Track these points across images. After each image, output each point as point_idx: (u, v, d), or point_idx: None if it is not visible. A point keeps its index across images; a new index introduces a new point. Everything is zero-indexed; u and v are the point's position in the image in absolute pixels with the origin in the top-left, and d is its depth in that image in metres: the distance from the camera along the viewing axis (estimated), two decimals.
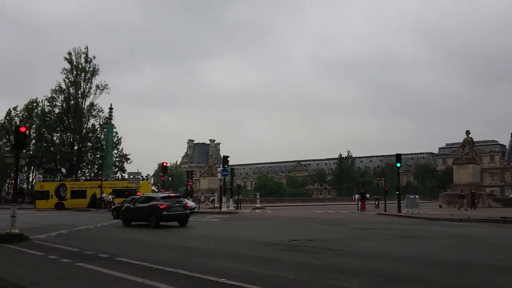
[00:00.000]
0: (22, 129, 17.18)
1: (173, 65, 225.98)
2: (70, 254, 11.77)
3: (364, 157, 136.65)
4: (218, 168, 55.30)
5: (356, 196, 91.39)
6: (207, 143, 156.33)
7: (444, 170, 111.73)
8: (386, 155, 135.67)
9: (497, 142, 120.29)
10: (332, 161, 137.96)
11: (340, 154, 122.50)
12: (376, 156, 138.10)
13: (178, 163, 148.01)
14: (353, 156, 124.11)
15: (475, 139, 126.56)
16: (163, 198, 20.98)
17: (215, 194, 43.07)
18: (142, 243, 15.05)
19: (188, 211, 21.66)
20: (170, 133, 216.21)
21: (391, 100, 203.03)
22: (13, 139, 42.60)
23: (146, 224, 21.52)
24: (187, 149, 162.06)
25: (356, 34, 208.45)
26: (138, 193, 32.77)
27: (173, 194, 22.89)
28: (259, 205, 39.18)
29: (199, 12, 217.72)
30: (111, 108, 59.84)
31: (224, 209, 34.23)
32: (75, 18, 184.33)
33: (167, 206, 20.32)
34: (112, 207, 32.08)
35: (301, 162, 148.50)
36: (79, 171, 62.56)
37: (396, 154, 33.06)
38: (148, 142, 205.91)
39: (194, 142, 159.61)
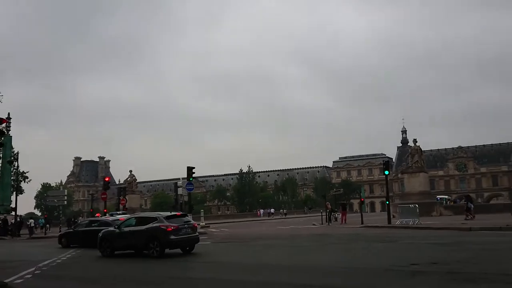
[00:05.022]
0: None
1: (44, 79, 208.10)
2: None
3: (261, 172, 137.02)
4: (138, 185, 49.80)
5: (262, 211, 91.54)
6: (95, 160, 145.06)
7: (341, 182, 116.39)
8: (283, 170, 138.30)
9: (385, 155, 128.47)
10: (230, 176, 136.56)
11: (240, 169, 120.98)
12: (273, 170, 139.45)
13: (63, 183, 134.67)
14: (253, 171, 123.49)
15: (363, 153, 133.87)
16: (168, 218, 16.62)
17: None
18: (177, 280, 11.34)
19: (198, 233, 17.52)
20: (49, 152, 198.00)
21: (274, 116, 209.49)
22: None
23: (133, 253, 17.26)
24: (74, 167, 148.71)
25: (235, 52, 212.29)
26: (97, 214, 27.06)
27: (179, 213, 18.43)
28: (204, 223, 35.38)
29: (71, 25, 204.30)
30: (9, 118, 50.95)
31: None
32: None
33: (175, 228, 16.04)
34: (60, 232, 26.22)
35: (198, 179, 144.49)
36: None
37: (385, 161, 31.73)
38: (25, 162, 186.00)
39: (82, 159, 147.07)
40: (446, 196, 77.18)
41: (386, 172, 29.53)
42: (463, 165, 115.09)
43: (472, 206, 31.29)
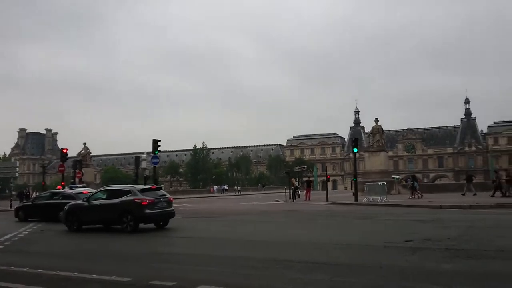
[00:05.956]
0: None
1: None
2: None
3: (215, 148, 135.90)
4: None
5: (215, 187, 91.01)
6: (42, 132, 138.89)
7: (294, 161, 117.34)
8: (237, 147, 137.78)
9: (338, 134, 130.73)
10: (183, 152, 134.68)
11: (194, 146, 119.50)
12: (228, 147, 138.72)
13: (7, 155, 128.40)
14: (207, 148, 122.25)
15: (316, 132, 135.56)
16: (142, 191, 15.69)
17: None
18: (163, 256, 10.60)
19: (173, 208, 16.71)
20: None
21: (229, 94, 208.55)
22: None
23: (102, 228, 16.39)
24: (18, 139, 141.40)
25: (190, 26, 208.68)
26: (58, 187, 25.42)
27: (153, 186, 17.46)
28: None
29: None
30: None
31: None
32: None
33: (150, 202, 15.20)
34: (17, 206, 24.53)
35: (142, 155, 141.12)
36: None
37: (354, 138, 31.59)
38: None
39: (27, 131, 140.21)
40: (398, 176, 79.53)
41: (355, 150, 29.57)
42: (412, 146, 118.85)
43: (418, 185, 32.17)
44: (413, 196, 29.75)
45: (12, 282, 7.59)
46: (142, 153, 37.33)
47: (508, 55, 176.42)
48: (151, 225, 16.25)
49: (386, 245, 10.42)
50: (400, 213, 19.69)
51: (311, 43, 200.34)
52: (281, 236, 13.35)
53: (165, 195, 16.42)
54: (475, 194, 31.26)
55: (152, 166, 29.59)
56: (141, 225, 15.77)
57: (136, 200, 15.17)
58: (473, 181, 37.27)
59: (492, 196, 27.13)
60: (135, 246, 12.37)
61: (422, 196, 29.96)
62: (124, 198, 15.48)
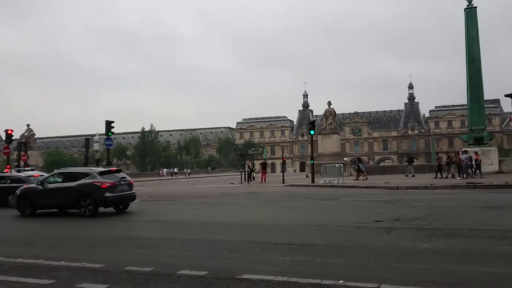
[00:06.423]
0: None
1: None
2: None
3: (163, 131, 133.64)
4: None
5: (165, 170, 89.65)
6: None
7: (244, 143, 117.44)
8: (186, 129, 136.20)
9: (287, 117, 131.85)
10: (130, 135, 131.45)
11: (143, 128, 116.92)
12: (176, 130, 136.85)
13: None
14: (156, 130, 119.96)
15: (265, 115, 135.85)
16: (101, 174, 14.99)
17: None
18: (130, 240, 10.04)
19: (134, 191, 16.10)
20: None
21: (175, 76, 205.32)
22: None
23: (57, 213, 15.67)
24: None
25: (133, 6, 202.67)
26: (5, 170, 23.79)
27: (113, 168, 16.71)
28: None
29: None
30: None
31: None
32: None
33: (111, 185, 14.57)
34: None
35: (92, 137, 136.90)
36: None
37: (311, 121, 31.53)
38: None
39: None
40: (346, 158, 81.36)
41: (312, 132, 29.73)
42: (358, 129, 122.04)
43: (364, 167, 33.17)
44: (357, 178, 30.48)
45: None
46: (94, 135, 35.84)
47: (450, 40, 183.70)
48: (111, 209, 15.64)
49: (358, 226, 10.48)
50: (360, 194, 20.09)
51: (259, 26, 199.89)
52: (251, 218, 13.18)
53: (125, 177, 15.83)
54: (413, 176, 32.59)
55: (105, 148, 28.53)
56: (101, 209, 15.15)
57: (95, 183, 14.51)
58: (414, 163, 38.93)
59: (435, 178, 28.37)
60: (100, 231, 11.81)
61: (367, 178, 30.77)
62: (82, 181, 14.76)
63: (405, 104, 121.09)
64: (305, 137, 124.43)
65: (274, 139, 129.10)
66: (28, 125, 48.29)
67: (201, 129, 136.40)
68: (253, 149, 46.64)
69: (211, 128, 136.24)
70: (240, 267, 6.78)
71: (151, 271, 6.59)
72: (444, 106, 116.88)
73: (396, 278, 5.81)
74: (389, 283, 5.57)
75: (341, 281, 5.65)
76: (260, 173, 36.37)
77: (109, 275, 6.51)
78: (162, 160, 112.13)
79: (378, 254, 7.40)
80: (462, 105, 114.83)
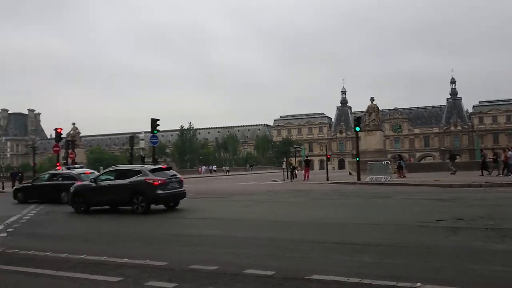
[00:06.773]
0: None
1: None
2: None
3: (201, 128, 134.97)
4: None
5: (203, 167, 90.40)
6: (24, 113, 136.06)
7: (281, 141, 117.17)
8: (223, 127, 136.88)
9: (325, 114, 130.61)
10: (169, 132, 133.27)
11: (181, 126, 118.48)
12: (214, 127, 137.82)
13: None
14: (194, 128, 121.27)
15: (303, 112, 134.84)
16: (153, 171, 15.19)
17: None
18: (186, 238, 10.07)
19: (184, 188, 16.26)
20: None
21: (210, 74, 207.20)
22: None
23: (110, 210, 15.93)
24: (0, 120, 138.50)
25: (169, 5, 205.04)
26: (57, 168, 24.62)
27: (164, 166, 16.96)
28: None
29: None
30: None
31: None
32: None
33: (162, 182, 14.74)
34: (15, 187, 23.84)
35: (136, 134, 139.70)
36: None
37: (356, 117, 31.11)
38: None
39: (9, 112, 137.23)
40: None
41: (357, 129, 29.25)
42: (398, 126, 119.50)
43: (404, 164, 32.36)
44: (400, 176, 29.88)
45: (37, 267, 7.13)
46: (140, 132, 36.46)
47: (492, 35, 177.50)
48: (161, 206, 15.82)
49: (420, 225, 10.17)
50: (413, 192, 19.57)
51: (291, 23, 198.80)
52: (305, 216, 12.97)
53: (176, 175, 15.95)
54: (452, 173, 31.21)
55: (151, 146, 28.91)
56: (152, 206, 15.33)
57: (147, 181, 14.69)
58: (456, 160, 37.65)
59: (481, 175, 27.34)
60: (155, 228, 11.94)
61: (405, 176, 30.08)
62: (134, 178, 14.98)
63: (447, 99, 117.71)
64: (344, 134, 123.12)
65: (312, 136, 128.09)
66: (73, 124, 49.83)
67: (238, 126, 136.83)
68: (294, 146, 46.35)
69: (249, 125, 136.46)
70: (306, 267, 6.64)
71: (216, 270, 6.55)
72: (489, 101, 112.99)
73: (477, 282, 5.53)
74: (472, 286, 5.30)
75: (419, 284, 5.43)
76: (303, 171, 36.09)
77: (175, 273, 6.50)
78: (201, 157, 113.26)
79: (450, 255, 7.12)
80: (508, 100, 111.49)
